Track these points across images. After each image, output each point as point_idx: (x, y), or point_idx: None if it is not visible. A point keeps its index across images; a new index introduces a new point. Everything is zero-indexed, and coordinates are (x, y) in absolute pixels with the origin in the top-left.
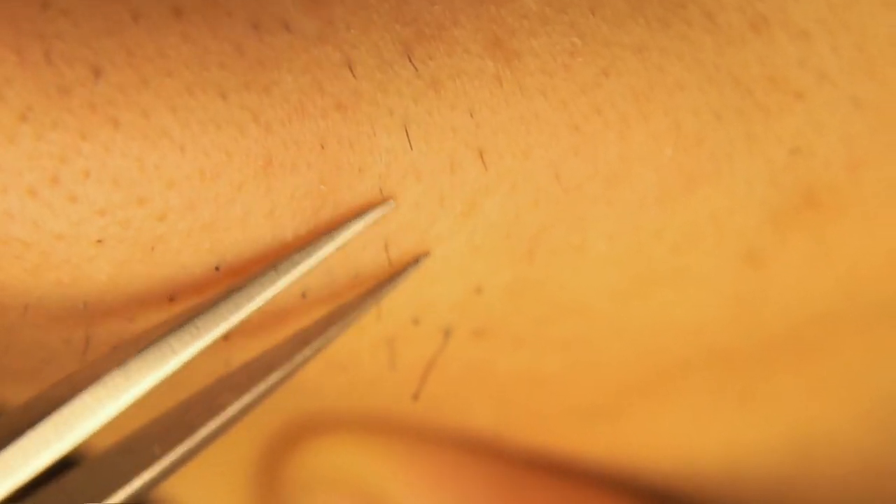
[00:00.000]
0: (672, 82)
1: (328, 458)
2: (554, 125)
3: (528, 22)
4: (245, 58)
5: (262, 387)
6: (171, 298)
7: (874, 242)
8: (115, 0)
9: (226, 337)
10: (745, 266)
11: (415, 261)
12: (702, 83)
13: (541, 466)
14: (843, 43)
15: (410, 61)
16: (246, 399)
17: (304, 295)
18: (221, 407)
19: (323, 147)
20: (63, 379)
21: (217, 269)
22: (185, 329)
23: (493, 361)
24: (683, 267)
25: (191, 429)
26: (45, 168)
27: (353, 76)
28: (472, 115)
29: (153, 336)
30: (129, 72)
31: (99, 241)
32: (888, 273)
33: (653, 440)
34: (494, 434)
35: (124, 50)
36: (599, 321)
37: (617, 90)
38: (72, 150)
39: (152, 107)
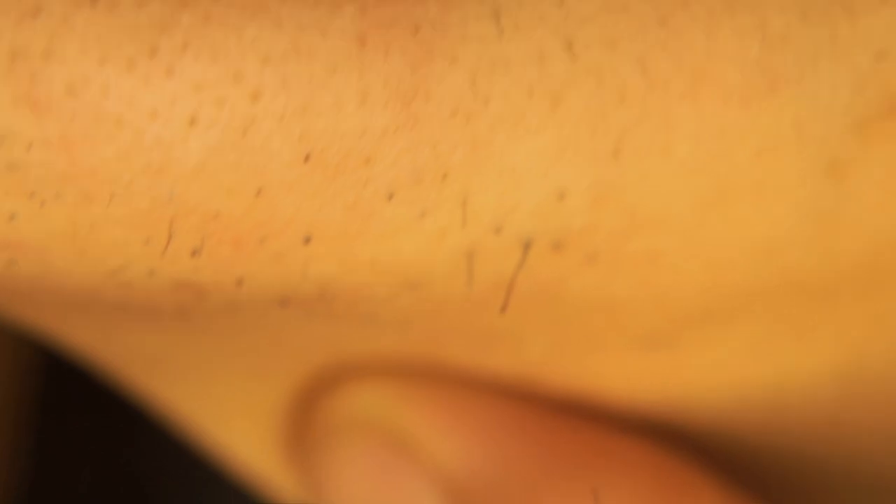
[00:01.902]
0: None
1: (360, 401)
2: (641, 17)
3: None
4: None
5: None
6: (259, 192)
7: None
8: None
9: None
10: (825, 178)
11: None
12: None
13: (581, 409)
14: None
15: None
16: None
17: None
18: None
19: (416, 31)
20: None
21: (307, 159)
22: None
23: (565, 280)
24: (764, 176)
25: None
26: (144, 39)
27: None
28: (560, 5)
29: None
30: None
31: (192, 121)
32: None
33: (705, 372)
34: (540, 369)
35: None
36: (678, 235)
37: None
38: (172, 19)
39: None
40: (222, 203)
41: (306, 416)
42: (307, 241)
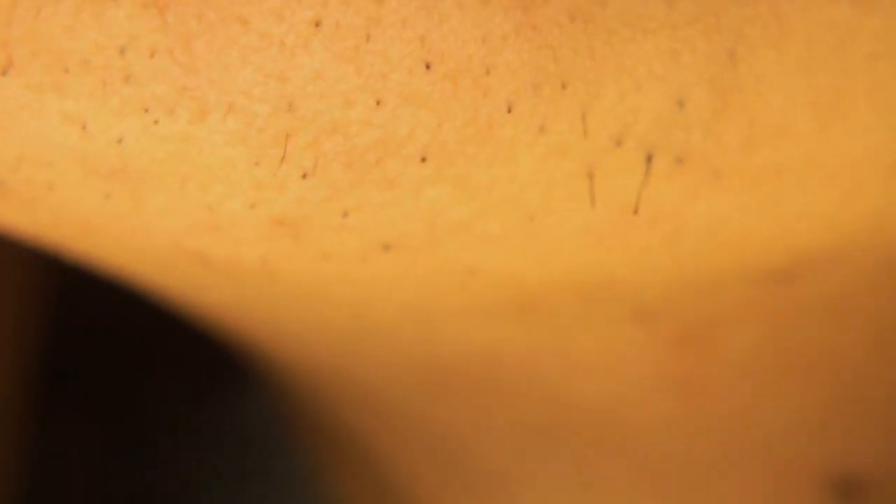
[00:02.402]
0: None
1: None
2: None
3: None
4: None
5: None
6: (378, 102)
7: None
8: None
9: None
10: None
11: None
12: None
13: None
14: None
15: None
16: None
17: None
18: None
19: None
20: None
21: (428, 66)
22: None
23: (692, 200)
24: (881, 79)
25: None
26: None
27: None
28: None
29: None
30: None
31: (317, 24)
32: None
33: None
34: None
35: None
36: (797, 147)
37: None
38: None
39: None
40: (340, 115)
41: None
42: (424, 160)
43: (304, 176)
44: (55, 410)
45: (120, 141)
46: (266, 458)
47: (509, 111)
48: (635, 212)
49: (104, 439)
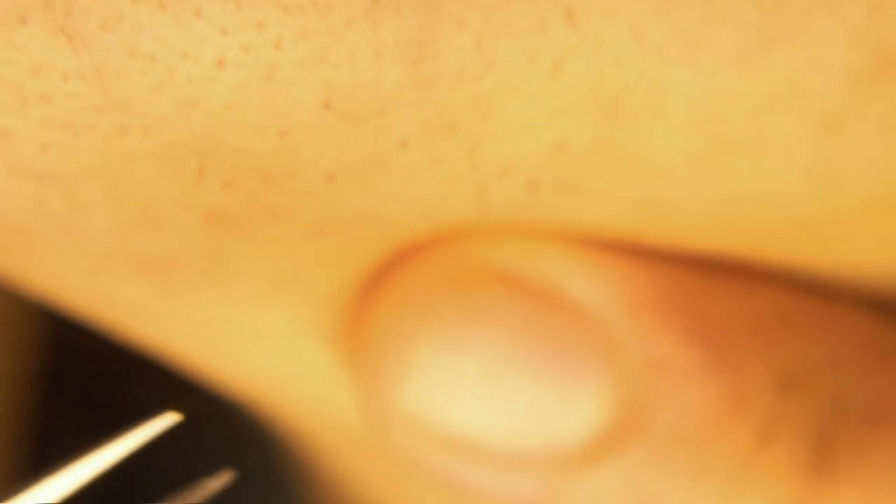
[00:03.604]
0: None
1: (501, 255)
2: None
3: None
4: None
5: None
6: (283, 133)
7: None
8: None
9: None
10: (821, 132)
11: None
12: None
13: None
14: None
15: None
16: None
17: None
18: None
19: None
20: None
21: (326, 106)
22: None
23: (579, 211)
24: (759, 134)
25: None
26: None
27: None
28: None
29: None
30: None
31: (219, 63)
32: None
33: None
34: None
35: None
36: (677, 185)
37: None
38: None
39: None
40: (250, 140)
41: (397, 273)
42: (331, 179)
43: (225, 186)
44: (56, 408)
45: (44, 150)
46: (264, 455)
47: (403, 147)
48: None
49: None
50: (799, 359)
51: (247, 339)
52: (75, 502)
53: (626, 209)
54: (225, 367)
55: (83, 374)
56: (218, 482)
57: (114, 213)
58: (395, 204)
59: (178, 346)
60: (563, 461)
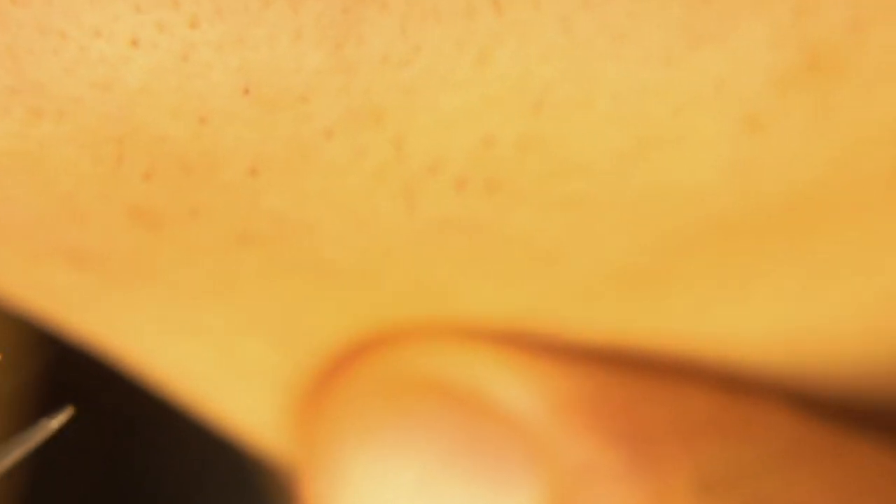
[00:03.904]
0: None
1: (428, 360)
2: None
3: None
4: None
5: None
6: (202, 120)
7: (875, 110)
8: None
9: None
10: (745, 130)
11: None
12: None
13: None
14: None
15: None
16: None
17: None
18: None
19: None
20: None
21: (246, 92)
22: None
23: (503, 219)
24: (684, 131)
25: None
26: None
27: None
28: None
29: None
30: None
31: (133, 43)
32: (889, 142)
33: (654, 325)
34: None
35: None
36: (600, 181)
37: None
38: None
39: None
40: (168, 126)
41: (335, 379)
42: (253, 172)
43: (146, 177)
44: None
45: None
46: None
47: (328, 137)
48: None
49: (104, 435)
50: (723, 461)
51: (186, 336)
52: None
53: (554, 213)
54: (164, 364)
55: (83, 373)
56: (58, 419)
57: (37, 204)
58: (319, 206)
59: (117, 340)
60: None
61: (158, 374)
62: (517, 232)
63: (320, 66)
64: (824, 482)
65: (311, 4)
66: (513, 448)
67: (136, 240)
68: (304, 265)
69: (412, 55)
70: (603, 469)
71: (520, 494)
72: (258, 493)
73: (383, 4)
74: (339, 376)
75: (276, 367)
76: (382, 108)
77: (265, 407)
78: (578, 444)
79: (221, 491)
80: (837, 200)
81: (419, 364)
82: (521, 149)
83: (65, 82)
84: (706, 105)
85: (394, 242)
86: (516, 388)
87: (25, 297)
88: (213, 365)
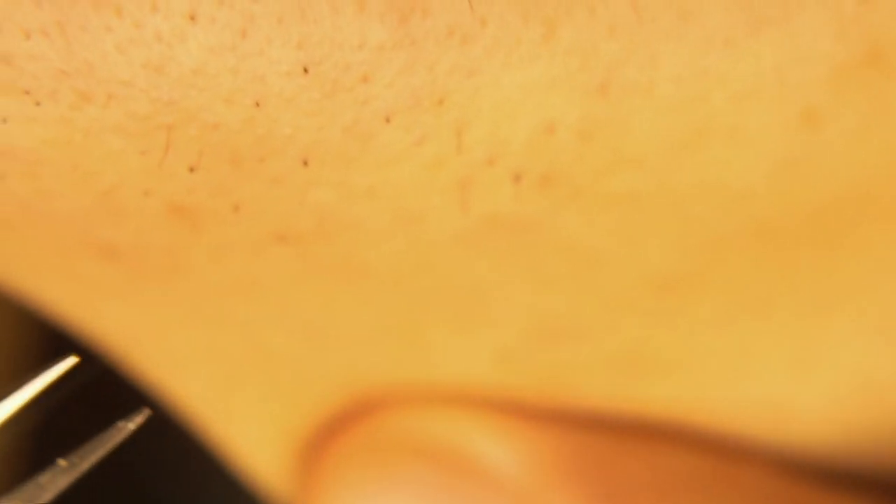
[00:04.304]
0: None
1: (413, 424)
2: None
3: None
4: None
5: None
6: (257, 104)
7: None
8: None
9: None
10: (800, 125)
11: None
12: None
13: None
14: None
15: None
16: None
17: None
18: None
19: None
20: None
21: (305, 71)
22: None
23: (552, 216)
24: (740, 121)
25: None
26: None
27: None
28: None
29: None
30: None
31: (192, 17)
32: None
33: (673, 344)
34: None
35: None
36: (654, 175)
37: None
38: None
39: None
40: (221, 113)
41: (332, 436)
42: (306, 163)
43: (192, 169)
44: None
45: (4, 121)
46: None
47: (388, 121)
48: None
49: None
50: None
51: (210, 331)
52: None
53: (603, 210)
54: (179, 368)
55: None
56: (135, 421)
57: (76, 198)
58: (366, 202)
59: (136, 336)
60: None
61: (170, 377)
62: (564, 233)
63: (384, 41)
64: None
65: None
66: None
67: (171, 236)
68: (337, 266)
69: (478, 29)
70: None
71: None
72: None
73: None
74: (335, 433)
75: (282, 403)
76: (446, 89)
77: (266, 443)
78: (558, 502)
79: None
80: (879, 209)
81: (408, 426)
82: (581, 137)
83: (116, 63)
84: (764, 94)
85: (437, 242)
86: (499, 448)
87: (49, 288)
88: (224, 384)
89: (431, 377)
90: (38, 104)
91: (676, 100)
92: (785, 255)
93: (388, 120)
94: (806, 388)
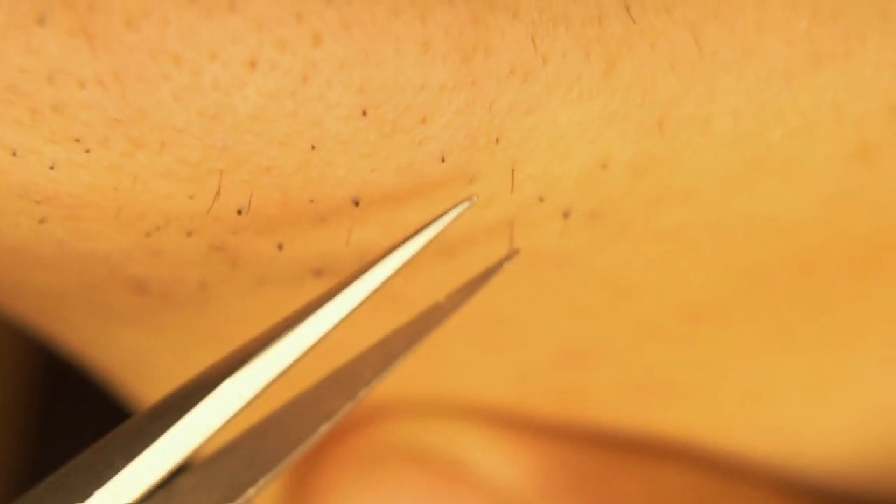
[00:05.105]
0: None
1: (406, 432)
2: None
3: None
4: None
5: (364, 389)
6: (313, 147)
7: None
8: None
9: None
10: (855, 160)
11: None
12: None
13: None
14: None
15: None
16: (350, 403)
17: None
18: (327, 413)
19: None
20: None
21: (364, 113)
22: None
23: (596, 252)
24: (796, 155)
25: (296, 436)
26: None
27: None
28: None
29: (264, 339)
30: None
31: (251, 64)
32: None
33: (692, 370)
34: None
35: None
36: (704, 210)
37: None
38: None
39: None
40: (275, 156)
41: (330, 444)
42: (356, 203)
43: (240, 212)
44: (56, 404)
45: (52, 167)
46: None
47: (442, 161)
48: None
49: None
50: None
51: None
52: None
53: (648, 245)
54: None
55: (84, 375)
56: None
57: (117, 239)
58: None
59: (163, 356)
60: None
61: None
62: (603, 265)
63: (445, 81)
64: None
65: (441, 14)
66: None
67: (207, 273)
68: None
69: (539, 66)
70: None
71: None
72: None
73: (514, 13)
74: (333, 441)
75: None
76: (502, 127)
77: None
78: None
79: None
80: None
81: (405, 436)
82: (635, 172)
83: (172, 111)
84: (821, 129)
85: (475, 274)
86: (497, 461)
87: (65, 318)
88: None
89: (447, 391)
90: (87, 151)
91: (733, 134)
92: (819, 287)
93: (443, 160)
94: (821, 416)
